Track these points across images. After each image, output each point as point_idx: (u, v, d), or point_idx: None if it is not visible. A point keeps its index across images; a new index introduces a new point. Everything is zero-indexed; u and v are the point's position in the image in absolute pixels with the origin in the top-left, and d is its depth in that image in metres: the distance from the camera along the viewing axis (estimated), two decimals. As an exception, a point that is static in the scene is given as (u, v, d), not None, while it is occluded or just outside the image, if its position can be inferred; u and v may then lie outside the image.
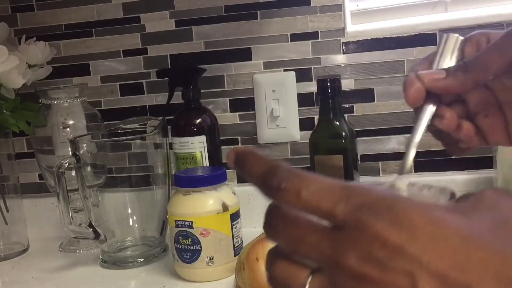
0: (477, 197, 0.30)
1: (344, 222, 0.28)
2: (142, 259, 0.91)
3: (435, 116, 0.43)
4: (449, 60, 0.42)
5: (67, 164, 0.86)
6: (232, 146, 1.06)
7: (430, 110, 0.42)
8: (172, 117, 1.00)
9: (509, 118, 0.43)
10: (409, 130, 1.06)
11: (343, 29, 1.01)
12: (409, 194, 0.36)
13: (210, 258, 0.80)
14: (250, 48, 1.04)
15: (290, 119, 1.03)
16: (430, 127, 0.44)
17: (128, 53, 1.08)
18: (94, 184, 0.92)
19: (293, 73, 1.03)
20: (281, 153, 1.05)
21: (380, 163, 1.02)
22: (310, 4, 1.01)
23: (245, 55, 1.04)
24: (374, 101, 1.02)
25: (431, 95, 0.42)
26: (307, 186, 0.29)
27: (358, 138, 0.77)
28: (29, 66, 0.98)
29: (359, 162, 0.97)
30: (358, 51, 1.01)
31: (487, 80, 0.41)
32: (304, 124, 1.03)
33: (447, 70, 0.41)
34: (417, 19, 1.00)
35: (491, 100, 0.44)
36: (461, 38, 0.43)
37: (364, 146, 1.02)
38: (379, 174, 1.02)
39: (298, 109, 1.03)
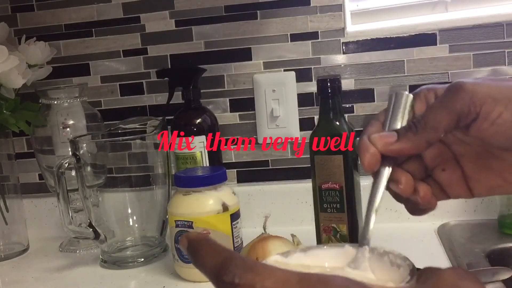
0: (437, 278, 0.30)
1: None
2: (142, 259, 0.91)
3: (391, 180, 0.42)
4: (400, 119, 0.42)
5: (67, 164, 0.86)
6: (232, 146, 1.07)
7: (387, 172, 0.41)
8: (172, 117, 1.00)
9: (467, 170, 0.42)
10: (409, 130, 1.06)
11: (343, 29, 1.01)
12: (370, 263, 0.36)
13: (210, 258, 0.80)
14: (250, 48, 1.04)
15: (290, 119, 1.03)
16: (388, 190, 0.43)
17: (128, 53, 1.08)
18: (94, 184, 0.92)
19: (293, 73, 1.03)
20: (281, 153, 1.05)
21: (380, 163, 1.02)
22: (310, 4, 1.01)
23: (245, 55, 1.04)
24: (374, 101, 1.02)
25: (386, 157, 0.41)
26: (261, 281, 0.28)
27: (358, 138, 0.78)
28: (29, 66, 0.98)
29: (359, 162, 0.97)
30: (358, 51, 1.01)
31: (439, 138, 0.40)
32: (304, 124, 1.03)
33: (398, 133, 0.40)
34: (417, 19, 1.00)
35: (447, 153, 0.43)
36: (411, 95, 0.42)
37: (364, 146, 1.01)
38: (379, 174, 1.02)
39: (298, 109, 1.03)
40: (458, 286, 0.30)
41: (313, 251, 0.37)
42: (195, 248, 0.32)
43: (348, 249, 0.37)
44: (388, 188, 0.42)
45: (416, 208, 0.43)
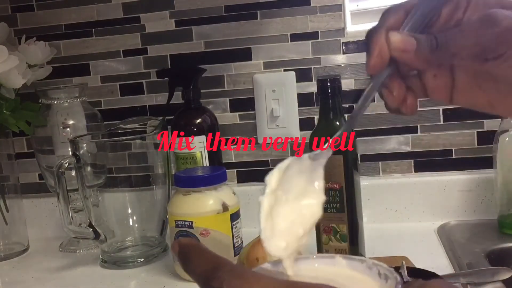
0: None
1: None
2: (142, 259, 0.91)
3: (385, 86, 0.41)
4: (423, 22, 0.39)
5: (67, 164, 0.86)
6: (232, 146, 1.07)
7: (385, 75, 0.39)
8: (172, 117, 1.00)
9: (457, 83, 0.41)
10: (409, 130, 1.06)
11: (343, 29, 1.01)
12: (359, 273, 0.36)
13: (210, 258, 0.80)
14: (250, 48, 1.04)
15: (290, 119, 1.03)
16: (378, 93, 0.42)
17: (128, 53, 1.08)
18: (94, 184, 0.92)
19: (293, 73, 1.03)
20: (281, 153, 1.05)
21: (380, 163, 1.02)
22: (310, 4, 1.01)
23: (245, 55, 1.04)
24: (374, 101, 1.01)
25: (391, 62, 0.39)
26: None
27: (358, 138, 0.77)
28: (29, 66, 0.98)
29: (359, 162, 0.97)
30: (358, 51, 1.01)
31: (458, 62, 0.39)
32: (304, 124, 1.03)
33: (418, 42, 0.37)
34: (417, 19, 1.00)
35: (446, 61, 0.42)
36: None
37: (364, 146, 1.02)
38: (379, 174, 1.02)
39: (298, 109, 1.03)
40: None
41: (303, 260, 0.37)
42: (186, 254, 0.32)
43: (338, 260, 0.37)
44: (379, 92, 0.41)
45: (396, 110, 0.42)
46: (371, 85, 0.39)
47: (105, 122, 1.04)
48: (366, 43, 0.39)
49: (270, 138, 1.04)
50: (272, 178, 0.37)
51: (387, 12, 0.40)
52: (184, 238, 0.48)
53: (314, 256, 0.38)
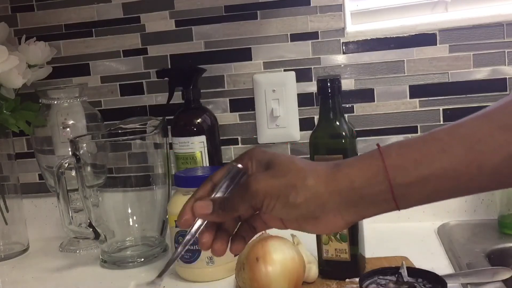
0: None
1: None
2: (142, 259, 0.91)
3: (201, 232, 0.53)
4: (228, 187, 0.53)
5: (67, 164, 0.86)
6: (232, 146, 1.07)
7: (198, 224, 0.53)
8: (172, 117, 1.00)
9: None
10: (409, 130, 1.06)
11: (343, 29, 1.01)
12: None
13: (210, 258, 0.80)
14: (250, 48, 1.04)
15: (290, 119, 1.03)
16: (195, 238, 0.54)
17: (128, 53, 1.08)
18: (94, 184, 0.92)
19: (293, 73, 1.03)
20: (281, 153, 1.05)
21: (380, 163, 1.02)
22: (310, 4, 1.01)
23: (245, 55, 1.04)
24: (374, 101, 1.02)
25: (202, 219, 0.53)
26: None
27: (358, 138, 0.77)
28: (29, 66, 0.98)
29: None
30: (358, 51, 1.01)
31: (240, 214, 0.53)
32: (304, 124, 1.03)
33: (213, 204, 0.52)
34: (417, 19, 1.00)
35: None
36: (241, 168, 0.54)
37: (364, 146, 1.02)
38: (379, 174, 1.02)
39: (298, 109, 1.03)
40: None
41: None
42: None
43: None
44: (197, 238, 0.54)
45: (207, 250, 0.55)
46: (187, 236, 0.53)
47: (105, 122, 1.04)
48: (180, 210, 0.54)
49: (270, 138, 1.04)
50: None
51: (201, 185, 0.55)
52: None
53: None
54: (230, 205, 0.51)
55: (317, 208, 0.49)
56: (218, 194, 0.53)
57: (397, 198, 0.48)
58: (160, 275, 0.56)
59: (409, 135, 1.01)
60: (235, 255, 0.54)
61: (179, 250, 0.53)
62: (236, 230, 0.56)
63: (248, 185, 0.50)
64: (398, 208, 0.49)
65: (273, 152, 0.54)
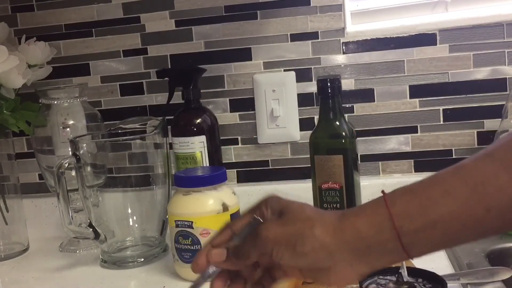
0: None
1: None
2: (142, 259, 0.91)
3: (213, 279, 0.55)
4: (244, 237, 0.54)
5: (67, 164, 0.86)
6: (232, 146, 1.07)
7: (212, 271, 0.55)
8: (172, 117, 1.00)
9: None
10: (409, 130, 1.06)
11: (343, 29, 1.01)
12: None
13: (210, 258, 0.80)
14: (250, 48, 1.04)
15: (290, 119, 1.03)
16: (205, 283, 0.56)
17: (128, 53, 1.08)
18: (94, 184, 0.92)
19: (293, 73, 1.03)
20: (281, 153, 1.05)
21: (380, 163, 1.02)
22: (310, 4, 1.01)
23: (245, 55, 1.04)
24: (374, 101, 1.02)
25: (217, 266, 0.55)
26: None
27: (358, 138, 0.77)
28: (29, 66, 0.98)
29: (359, 162, 0.97)
30: (358, 51, 1.01)
31: (252, 262, 0.53)
32: (304, 124, 1.03)
33: (228, 253, 0.53)
34: (417, 19, 1.00)
35: None
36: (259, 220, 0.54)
37: (364, 146, 1.02)
38: (379, 174, 1.02)
39: (298, 109, 1.03)
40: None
41: None
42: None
43: None
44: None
45: None
46: (199, 278, 0.55)
47: (105, 122, 1.04)
48: (195, 256, 0.57)
49: (270, 138, 1.04)
50: None
51: (220, 231, 0.57)
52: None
53: None
54: (242, 252, 0.53)
55: (325, 258, 0.49)
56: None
57: (407, 246, 0.47)
58: None
59: (409, 135, 1.01)
60: None
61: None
62: (257, 278, 0.56)
63: (259, 233, 0.51)
64: (409, 256, 0.48)
65: (287, 200, 0.54)
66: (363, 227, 0.48)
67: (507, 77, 0.98)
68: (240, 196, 0.85)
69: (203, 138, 0.97)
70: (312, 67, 1.03)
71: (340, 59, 1.02)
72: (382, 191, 0.49)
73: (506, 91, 0.97)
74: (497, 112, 0.93)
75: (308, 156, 0.78)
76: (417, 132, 1.01)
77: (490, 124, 0.98)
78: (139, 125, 0.95)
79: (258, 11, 1.03)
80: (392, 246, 0.47)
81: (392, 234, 0.47)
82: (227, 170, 0.85)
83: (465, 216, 0.45)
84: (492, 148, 0.47)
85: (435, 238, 0.47)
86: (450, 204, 0.45)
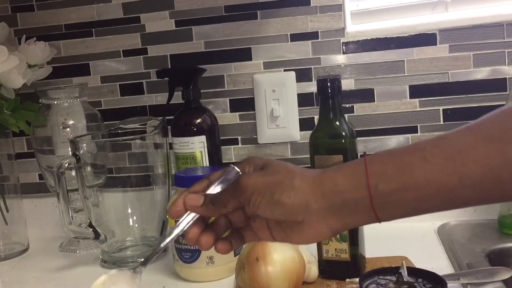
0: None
1: None
2: (142, 259, 0.91)
3: (188, 226, 0.55)
4: (223, 186, 0.55)
5: (67, 164, 0.86)
6: (232, 146, 1.07)
7: (191, 216, 0.55)
8: (172, 117, 1.00)
9: (269, 223, 0.55)
10: (409, 130, 1.06)
11: (343, 29, 1.01)
12: None
13: (210, 258, 0.80)
14: (250, 48, 1.04)
15: (290, 119, 1.03)
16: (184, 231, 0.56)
17: (128, 53, 1.08)
18: (94, 184, 0.92)
19: (293, 73, 1.03)
20: (281, 153, 1.05)
21: (380, 163, 1.02)
22: (310, 4, 1.01)
23: (245, 55, 1.04)
24: (374, 101, 1.02)
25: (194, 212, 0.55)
26: None
27: (358, 138, 0.77)
28: (29, 66, 0.98)
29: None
30: (358, 51, 1.01)
31: (229, 211, 0.54)
32: (304, 124, 1.04)
33: (205, 200, 0.54)
34: (417, 19, 1.00)
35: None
36: (238, 172, 0.56)
37: (364, 146, 1.02)
38: (379, 174, 1.02)
39: (298, 109, 1.03)
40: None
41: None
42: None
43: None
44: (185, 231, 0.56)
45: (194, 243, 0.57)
46: (175, 229, 0.55)
47: (105, 122, 1.05)
48: (173, 202, 0.57)
49: (270, 138, 1.04)
50: None
51: (196, 182, 0.58)
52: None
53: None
54: (220, 200, 0.53)
55: (301, 210, 0.50)
56: (212, 192, 0.55)
57: (377, 208, 0.48)
58: (144, 263, 0.58)
59: (409, 135, 1.01)
60: (218, 252, 0.56)
61: (167, 240, 0.56)
62: (225, 235, 0.57)
63: (239, 181, 0.52)
64: (378, 219, 0.49)
65: (270, 158, 0.56)
66: (341, 181, 0.50)
67: (507, 77, 0.98)
68: (240, 196, 0.84)
69: (203, 138, 0.97)
70: (312, 67, 1.03)
71: (340, 59, 1.02)
72: (364, 152, 0.52)
73: (506, 91, 0.97)
74: (497, 112, 0.93)
75: (308, 156, 0.78)
76: (417, 132, 1.01)
77: (490, 124, 0.98)
78: (139, 125, 0.96)
79: (258, 11, 1.03)
80: (364, 204, 0.49)
81: (366, 192, 0.48)
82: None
83: (439, 183, 0.46)
84: (475, 122, 0.48)
85: (408, 202, 0.48)
86: (426, 170, 0.47)
